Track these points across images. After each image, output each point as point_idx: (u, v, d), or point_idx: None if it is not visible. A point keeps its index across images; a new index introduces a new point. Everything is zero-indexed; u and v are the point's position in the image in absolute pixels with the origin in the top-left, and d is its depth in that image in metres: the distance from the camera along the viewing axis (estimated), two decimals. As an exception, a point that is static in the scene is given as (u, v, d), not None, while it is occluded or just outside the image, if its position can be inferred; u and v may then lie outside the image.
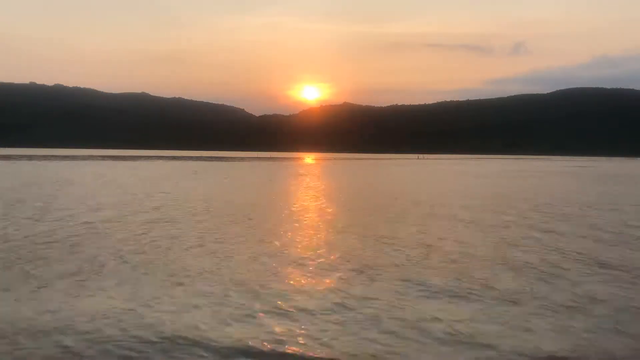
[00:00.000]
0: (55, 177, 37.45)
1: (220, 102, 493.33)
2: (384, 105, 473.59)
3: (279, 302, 7.45)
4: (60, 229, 13.97)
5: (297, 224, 15.70)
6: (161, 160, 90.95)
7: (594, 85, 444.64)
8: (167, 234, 13.40)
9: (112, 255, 10.62)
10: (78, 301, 7.51)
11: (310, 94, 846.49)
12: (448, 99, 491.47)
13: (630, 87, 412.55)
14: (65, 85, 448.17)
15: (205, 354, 5.70)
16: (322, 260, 10.22)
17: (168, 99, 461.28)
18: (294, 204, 22.32)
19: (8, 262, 9.91)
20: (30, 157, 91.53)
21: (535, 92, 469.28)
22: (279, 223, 15.86)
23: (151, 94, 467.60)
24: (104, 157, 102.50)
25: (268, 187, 32.95)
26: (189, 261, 10.20)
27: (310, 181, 38.21)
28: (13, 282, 8.55)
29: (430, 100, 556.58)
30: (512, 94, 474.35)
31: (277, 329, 6.42)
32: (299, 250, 11.46)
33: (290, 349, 5.81)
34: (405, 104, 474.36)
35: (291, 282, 8.66)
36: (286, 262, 10.11)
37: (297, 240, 12.76)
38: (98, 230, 13.72)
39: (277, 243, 12.20)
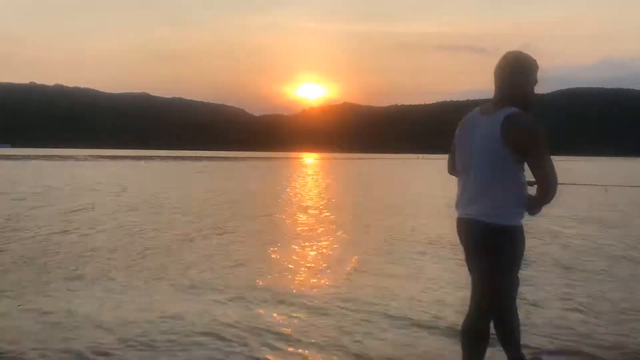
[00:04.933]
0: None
1: (220, 102, 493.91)
2: (384, 105, 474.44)
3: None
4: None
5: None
6: (159, 161, 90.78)
7: (598, 86, 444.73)
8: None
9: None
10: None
11: (311, 94, 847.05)
12: (449, 99, 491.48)
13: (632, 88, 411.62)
14: (65, 85, 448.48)
15: None
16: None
17: (168, 99, 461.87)
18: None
19: None
20: (49, 157, 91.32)
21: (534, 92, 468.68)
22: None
23: (151, 94, 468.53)
24: (110, 157, 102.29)
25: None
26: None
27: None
28: None
29: (431, 100, 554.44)
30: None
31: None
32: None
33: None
34: (405, 104, 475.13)
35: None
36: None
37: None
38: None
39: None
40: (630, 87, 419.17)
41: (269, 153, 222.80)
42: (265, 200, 18.20)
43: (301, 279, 6.39)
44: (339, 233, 10.31)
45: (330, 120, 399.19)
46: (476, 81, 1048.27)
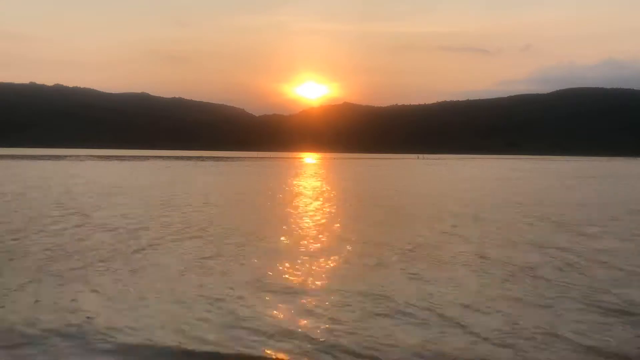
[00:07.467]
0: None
1: (220, 102, 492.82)
2: (384, 105, 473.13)
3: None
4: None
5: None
6: (158, 160, 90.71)
7: (599, 86, 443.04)
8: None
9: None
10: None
11: (311, 93, 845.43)
12: (449, 99, 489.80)
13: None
14: (65, 85, 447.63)
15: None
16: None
17: (168, 99, 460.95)
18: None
19: None
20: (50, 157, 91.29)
21: (535, 92, 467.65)
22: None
23: (151, 94, 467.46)
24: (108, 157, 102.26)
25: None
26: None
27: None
28: None
29: (431, 100, 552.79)
30: (513, 93, 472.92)
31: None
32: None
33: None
34: (405, 104, 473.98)
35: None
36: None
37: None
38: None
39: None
40: (632, 87, 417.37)
41: (269, 153, 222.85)
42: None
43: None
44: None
45: (330, 120, 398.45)
46: (476, 81, 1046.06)
